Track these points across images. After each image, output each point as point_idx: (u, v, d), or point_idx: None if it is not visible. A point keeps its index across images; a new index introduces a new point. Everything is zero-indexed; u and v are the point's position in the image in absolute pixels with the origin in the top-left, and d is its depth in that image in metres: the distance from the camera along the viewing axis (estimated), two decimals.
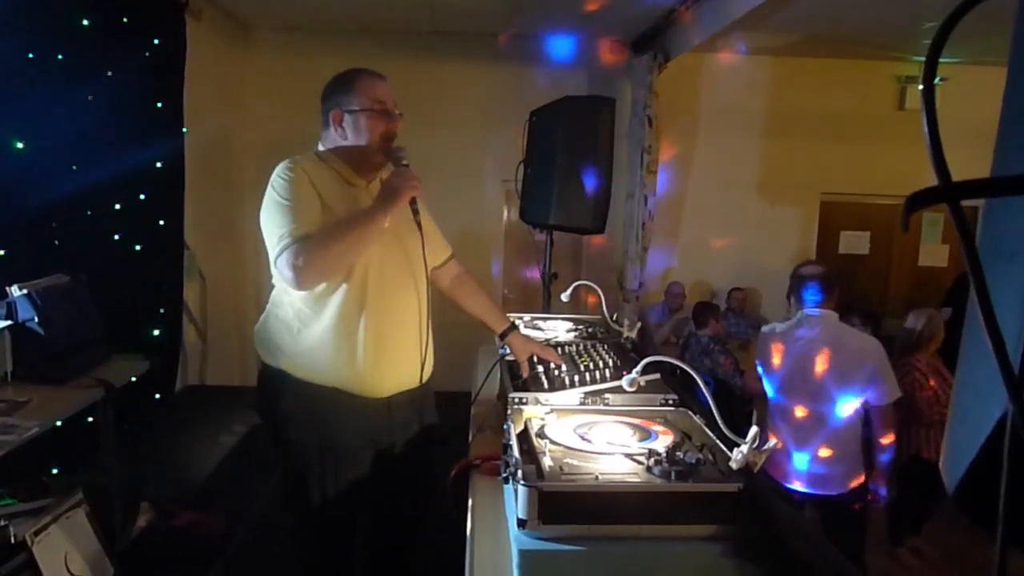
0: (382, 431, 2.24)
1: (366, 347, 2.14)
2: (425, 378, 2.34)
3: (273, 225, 2.05)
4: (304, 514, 2.25)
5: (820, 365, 3.17)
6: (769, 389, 3.38)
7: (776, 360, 3.33)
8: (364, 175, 2.27)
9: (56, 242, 3.78)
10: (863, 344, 3.20)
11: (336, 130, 2.22)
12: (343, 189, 2.20)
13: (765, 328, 3.56)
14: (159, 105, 4.64)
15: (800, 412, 3.24)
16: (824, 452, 3.19)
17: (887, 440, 3.24)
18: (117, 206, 4.28)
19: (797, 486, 3.24)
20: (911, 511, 4.12)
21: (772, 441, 1.51)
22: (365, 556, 2.46)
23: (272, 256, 2.05)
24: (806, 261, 3.59)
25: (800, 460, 3.23)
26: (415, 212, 2.19)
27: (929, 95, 0.51)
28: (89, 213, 4.06)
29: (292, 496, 2.25)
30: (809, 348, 3.20)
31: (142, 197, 4.48)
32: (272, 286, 2.26)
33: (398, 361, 2.24)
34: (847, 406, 3.16)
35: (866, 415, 3.23)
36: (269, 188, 2.11)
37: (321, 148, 2.28)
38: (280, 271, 2.04)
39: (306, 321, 2.15)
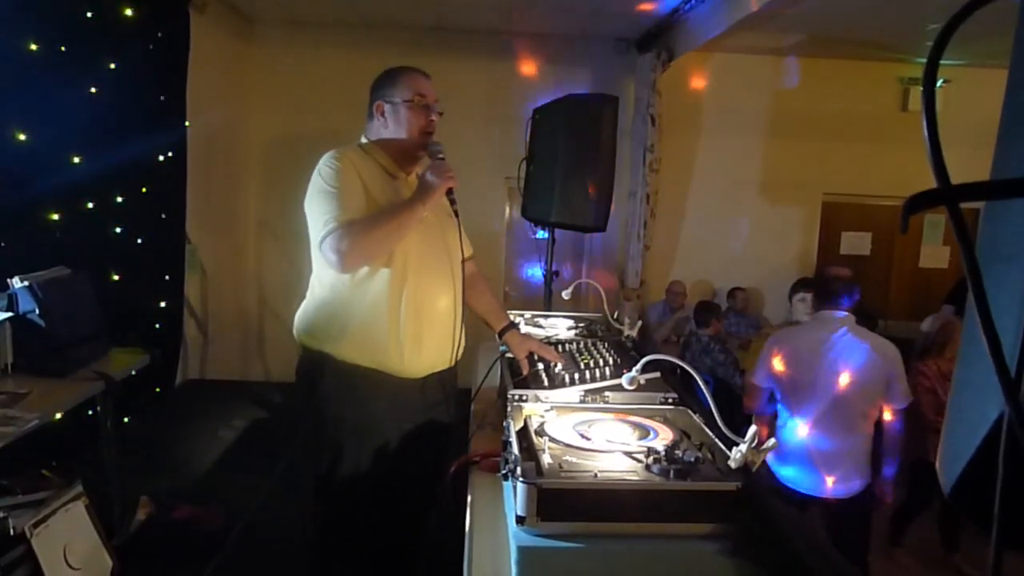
0: (415, 411, 2.35)
1: (406, 329, 2.25)
2: (454, 360, 2.46)
3: (319, 211, 2.16)
4: (336, 496, 2.32)
5: (841, 368, 3.18)
6: (785, 389, 3.36)
7: (792, 364, 3.32)
8: (404, 167, 2.40)
9: (57, 235, 3.78)
10: (884, 348, 3.21)
11: (378, 120, 2.35)
12: (386, 180, 2.32)
13: (777, 335, 3.56)
14: (162, 98, 4.64)
15: (816, 413, 3.24)
16: (841, 452, 3.20)
17: (895, 443, 3.25)
18: (119, 199, 4.28)
19: (806, 486, 3.24)
20: (913, 514, 4.12)
21: (771, 441, 1.51)
22: (372, 545, 2.47)
23: (317, 240, 2.15)
24: (831, 264, 3.61)
25: (813, 457, 3.23)
26: (452, 202, 2.33)
27: (929, 98, 0.51)
28: (91, 206, 4.06)
29: (326, 474, 2.32)
30: (830, 350, 3.21)
31: (144, 190, 4.49)
32: (311, 273, 2.36)
33: (434, 343, 2.34)
34: (863, 408, 3.17)
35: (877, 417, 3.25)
36: (316, 176, 2.22)
37: (364, 140, 2.40)
38: (324, 254, 2.14)
39: (349, 305, 2.25)
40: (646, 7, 5.62)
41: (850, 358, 3.18)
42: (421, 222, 2.23)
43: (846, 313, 3.28)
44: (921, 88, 0.50)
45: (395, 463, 2.33)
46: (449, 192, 2.29)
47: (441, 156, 2.32)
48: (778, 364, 3.38)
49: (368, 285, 2.23)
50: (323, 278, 2.30)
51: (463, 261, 2.51)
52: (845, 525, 3.27)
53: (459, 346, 2.45)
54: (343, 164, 2.21)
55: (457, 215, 2.36)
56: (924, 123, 0.50)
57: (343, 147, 2.30)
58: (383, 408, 2.29)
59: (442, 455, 2.46)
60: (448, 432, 2.48)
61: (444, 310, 2.37)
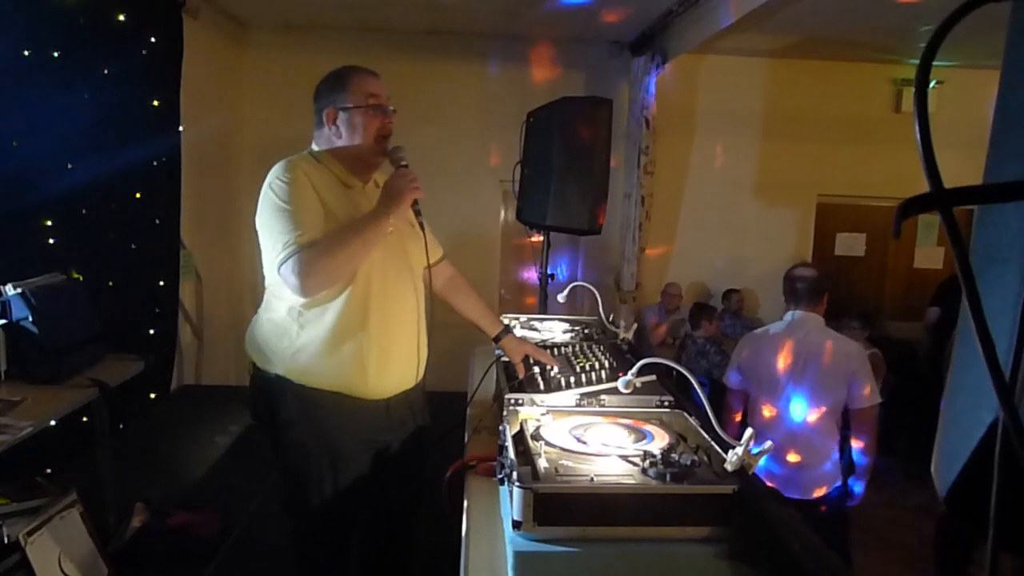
0: (381, 431, 2.25)
1: (372, 351, 2.14)
2: (419, 378, 2.35)
3: (275, 231, 2.01)
4: (305, 515, 2.25)
5: (800, 367, 3.18)
6: (753, 389, 3.37)
7: (755, 361, 3.33)
8: (360, 176, 2.26)
9: (51, 241, 3.77)
10: (845, 348, 3.21)
11: (330, 129, 2.19)
12: (341, 191, 2.17)
13: (747, 336, 3.57)
14: (155, 103, 4.63)
15: (768, 412, 3.24)
16: (792, 456, 3.20)
17: (864, 443, 3.25)
18: (113, 205, 4.27)
19: (779, 487, 3.24)
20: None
21: (767, 443, 1.51)
22: (361, 556, 2.46)
23: (275, 263, 2.01)
24: (800, 263, 3.60)
25: (784, 458, 3.23)
26: (417, 213, 2.18)
27: (921, 101, 0.51)
28: (84, 212, 4.05)
29: (292, 499, 2.26)
30: (793, 350, 3.21)
31: (138, 196, 4.48)
32: (265, 289, 2.24)
33: (399, 363, 2.25)
34: (828, 409, 3.16)
35: (844, 418, 3.24)
36: (267, 190, 2.06)
37: (315, 148, 2.25)
38: (284, 278, 2.01)
39: (307, 326, 2.12)
40: (611, 17, 5.66)
41: (815, 358, 3.17)
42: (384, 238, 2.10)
43: (811, 313, 3.26)
44: (914, 90, 0.50)
45: (367, 482, 2.24)
46: (414, 203, 2.14)
47: (404, 163, 2.16)
48: (745, 364, 3.38)
49: (330, 306, 2.10)
50: (280, 296, 2.16)
51: (427, 268, 2.39)
52: (820, 527, 3.27)
53: (423, 363, 2.34)
54: (295, 176, 2.05)
55: (423, 226, 2.22)
56: (917, 127, 0.50)
57: (293, 157, 2.15)
58: (348, 432, 2.17)
59: (418, 469, 2.41)
60: (421, 444, 2.39)
61: (408, 327, 2.26)
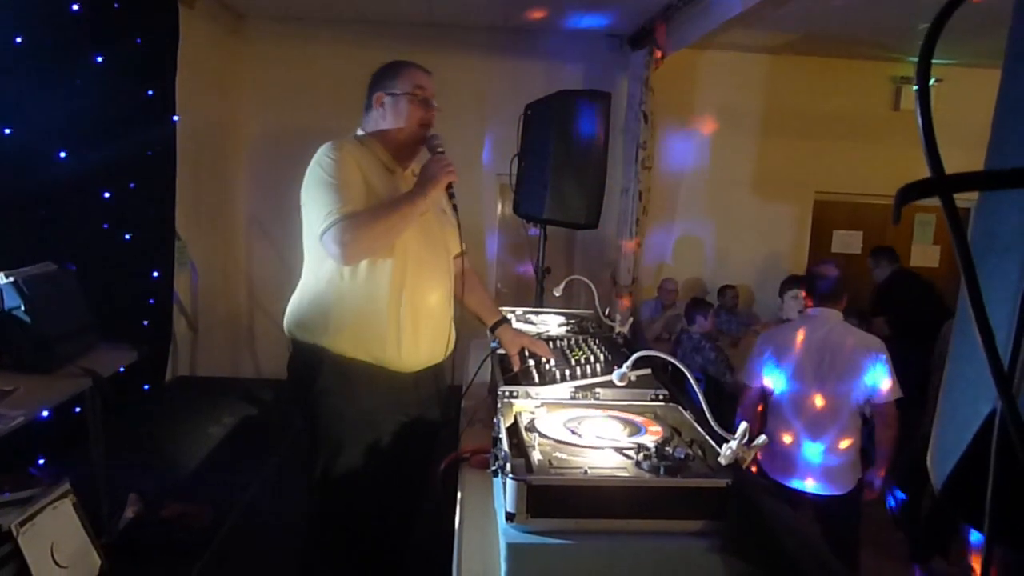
0: (411, 404, 2.36)
1: (405, 324, 2.26)
2: (448, 354, 2.48)
3: (319, 202, 2.14)
4: (334, 482, 2.30)
5: (830, 365, 3.20)
6: (777, 386, 3.38)
7: (782, 359, 3.34)
8: (401, 162, 2.40)
9: (44, 230, 3.75)
10: (868, 343, 3.23)
11: (377, 111, 2.36)
12: (384, 174, 2.32)
13: (766, 333, 3.58)
14: (150, 93, 4.60)
15: (807, 409, 3.25)
16: (830, 448, 3.22)
17: (888, 437, 3.26)
18: (106, 195, 4.25)
19: (808, 484, 3.25)
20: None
21: (761, 438, 1.51)
22: (366, 533, 2.47)
23: (318, 231, 2.12)
24: (821, 261, 3.64)
25: (806, 455, 3.24)
26: (451, 196, 2.34)
27: (923, 85, 0.50)
28: (78, 201, 4.02)
29: (325, 467, 2.30)
30: (819, 347, 3.23)
31: (132, 186, 4.45)
32: (303, 266, 2.34)
33: (430, 338, 2.36)
34: (852, 404, 3.19)
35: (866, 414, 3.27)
36: (314, 166, 2.21)
37: (360, 132, 2.40)
38: (326, 245, 2.12)
39: (347, 299, 2.24)
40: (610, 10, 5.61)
41: (839, 354, 3.20)
42: (420, 217, 2.24)
43: (834, 310, 3.30)
44: (916, 73, 0.49)
45: (390, 458, 2.32)
46: (449, 186, 2.29)
47: (440, 150, 2.31)
48: (767, 362, 3.39)
49: (368, 279, 2.23)
50: (319, 271, 2.28)
51: (456, 257, 2.51)
52: (836, 522, 3.29)
53: (451, 341, 2.47)
54: (342, 155, 2.20)
55: (456, 209, 2.38)
56: (918, 112, 0.49)
57: (340, 138, 2.29)
58: (380, 402, 2.29)
59: (430, 452, 2.46)
60: (437, 428, 2.48)
61: (440, 305, 2.38)
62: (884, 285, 5.99)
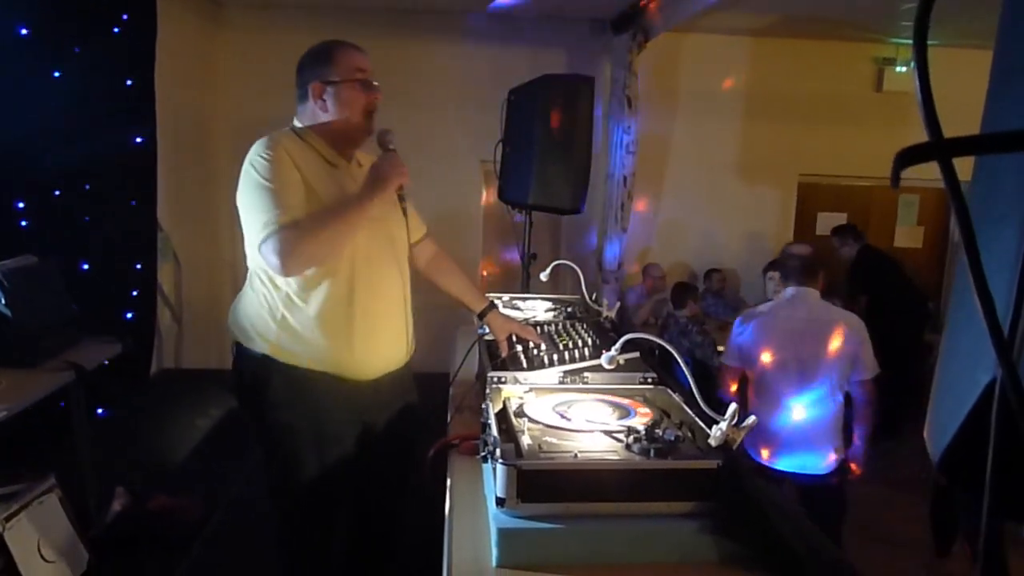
0: (370, 411, 2.24)
1: (358, 332, 2.12)
2: (407, 358, 2.35)
3: (256, 210, 1.98)
4: (291, 497, 2.22)
5: (809, 343, 3.21)
6: (757, 366, 3.38)
7: (762, 340, 3.34)
8: (344, 153, 2.24)
9: (23, 223, 3.70)
10: (846, 320, 3.24)
11: (316, 103, 2.15)
12: (325, 170, 2.15)
13: (745, 313, 3.58)
14: (129, 83, 4.53)
15: (788, 389, 3.26)
16: (812, 428, 3.23)
17: (867, 414, 3.29)
18: (86, 186, 4.19)
19: (783, 464, 3.27)
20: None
21: (751, 418, 1.51)
22: (347, 535, 2.45)
23: (255, 242, 1.98)
24: (793, 242, 3.63)
25: (788, 435, 3.26)
26: (401, 199, 2.19)
27: (921, 49, 0.49)
28: (57, 194, 3.97)
29: (279, 481, 2.23)
30: (797, 326, 3.24)
31: (112, 177, 4.39)
32: (247, 268, 2.20)
33: (387, 343, 2.24)
34: (833, 382, 3.20)
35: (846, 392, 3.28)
36: (248, 167, 2.03)
37: (298, 124, 2.22)
38: (265, 257, 1.98)
39: (292, 307, 2.10)
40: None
41: (818, 333, 3.21)
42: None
43: (811, 289, 3.30)
44: (912, 38, 0.48)
45: (355, 464, 2.23)
46: (399, 188, 2.14)
47: (392, 147, 2.16)
48: (747, 342, 3.39)
49: (316, 285, 2.08)
50: (263, 276, 2.13)
51: (412, 246, 2.40)
52: (819, 502, 3.31)
53: (410, 342, 2.35)
54: (277, 154, 2.02)
55: (404, 212, 2.22)
56: (916, 77, 0.48)
57: (275, 133, 2.12)
58: (337, 413, 2.15)
59: (408, 444, 2.39)
60: (410, 421, 2.38)
61: (395, 307, 2.25)
62: (856, 264, 6.01)
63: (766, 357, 3.32)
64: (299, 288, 2.09)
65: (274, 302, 2.11)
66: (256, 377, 2.15)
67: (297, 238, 1.94)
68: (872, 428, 3.33)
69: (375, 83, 2.18)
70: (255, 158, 2.03)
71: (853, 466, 3.33)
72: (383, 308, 2.21)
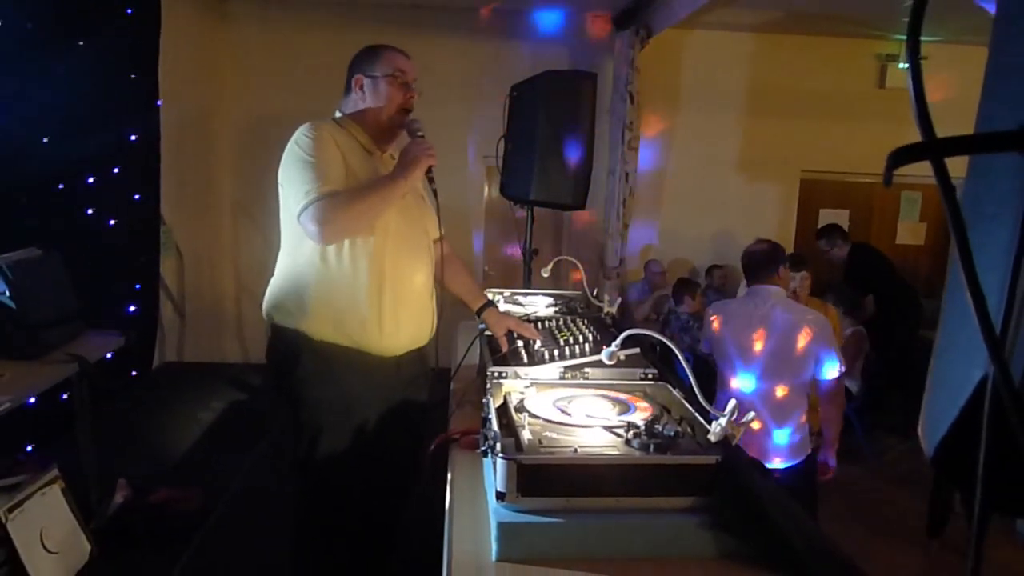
0: (394, 388, 2.34)
1: (386, 307, 2.24)
2: (431, 337, 2.46)
3: (297, 181, 2.12)
4: (316, 470, 2.30)
5: (760, 339, 3.18)
6: (719, 359, 3.37)
7: (717, 331, 3.33)
8: (380, 144, 2.38)
9: (27, 216, 3.71)
10: (809, 318, 3.20)
11: (356, 93, 2.33)
12: (362, 156, 2.29)
13: (715, 303, 3.56)
14: (133, 77, 4.55)
15: (733, 381, 3.24)
16: (755, 424, 3.19)
17: (835, 415, 3.26)
18: (91, 180, 4.21)
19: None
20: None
21: (750, 414, 1.51)
22: (354, 516, 2.46)
23: (295, 211, 2.10)
24: (756, 240, 3.59)
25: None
26: (431, 180, 2.33)
27: (914, 48, 0.50)
28: (61, 187, 3.99)
29: (306, 454, 2.29)
30: (752, 322, 3.21)
31: (116, 171, 4.41)
32: (282, 249, 2.31)
33: (412, 321, 2.34)
34: (794, 380, 3.17)
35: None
36: (292, 145, 2.18)
37: (339, 114, 2.37)
38: (304, 225, 2.10)
39: (326, 282, 2.21)
40: None
41: (778, 330, 3.17)
42: (400, 199, 2.23)
43: (774, 286, 3.26)
44: (906, 37, 0.49)
45: (375, 441, 2.31)
46: (429, 170, 2.27)
47: (420, 134, 2.30)
48: (714, 334, 3.37)
49: (347, 262, 2.19)
50: (297, 254, 2.25)
51: (435, 241, 2.50)
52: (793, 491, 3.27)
53: (434, 324, 2.45)
54: (321, 134, 2.18)
55: (435, 194, 2.36)
56: (909, 76, 0.49)
57: (319, 119, 2.26)
58: (361, 387, 2.26)
59: (419, 433, 2.45)
60: (424, 410, 2.47)
61: (421, 288, 2.37)
62: (852, 264, 5.93)
63: (728, 350, 3.28)
64: (332, 263, 2.20)
65: (308, 278, 2.23)
66: (288, 351, 2.26)
67: (335, 207, 2.07)
68: (839, 428, 3.31)
69: (414, 86, 2.36)
70: (299, 137, 2.18)
71: (824, 469, 3.30)
72: (411, 286, 2.32)
